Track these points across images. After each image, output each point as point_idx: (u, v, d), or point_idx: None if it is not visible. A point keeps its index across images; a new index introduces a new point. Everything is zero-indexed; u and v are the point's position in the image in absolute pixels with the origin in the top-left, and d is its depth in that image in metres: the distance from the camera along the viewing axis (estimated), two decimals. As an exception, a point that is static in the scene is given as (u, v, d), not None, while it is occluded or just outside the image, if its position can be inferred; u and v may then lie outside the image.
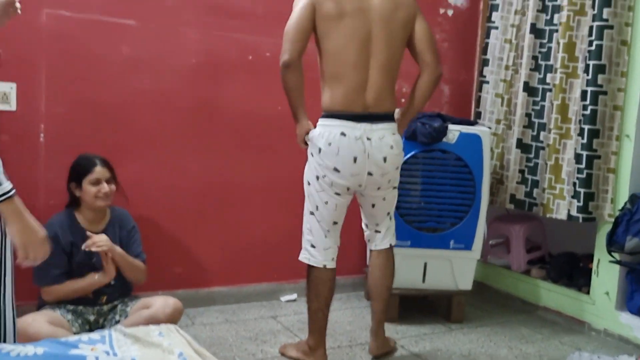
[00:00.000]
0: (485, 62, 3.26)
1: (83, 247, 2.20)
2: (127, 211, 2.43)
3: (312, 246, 2.25)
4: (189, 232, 2.89)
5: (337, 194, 2.18)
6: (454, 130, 2.77)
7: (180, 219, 2.87)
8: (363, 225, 2.41)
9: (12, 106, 2.48)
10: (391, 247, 2.38)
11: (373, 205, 2.29)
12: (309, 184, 2.22)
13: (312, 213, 2.24)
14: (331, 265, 2.25)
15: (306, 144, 2.22)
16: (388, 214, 2.35)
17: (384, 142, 2.14)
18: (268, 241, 3.05)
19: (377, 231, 2.36)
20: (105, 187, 2.27)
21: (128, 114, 2.70)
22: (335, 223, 2.24)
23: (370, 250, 2.41)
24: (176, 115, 2.80)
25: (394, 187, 2.31)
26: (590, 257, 2.93)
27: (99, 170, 2.27)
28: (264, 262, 3.07)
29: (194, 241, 2.91)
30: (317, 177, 2.17)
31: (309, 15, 2.07)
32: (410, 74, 2.37)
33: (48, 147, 2.56)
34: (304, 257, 2.28)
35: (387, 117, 2.18)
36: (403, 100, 3.21)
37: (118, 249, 2.26)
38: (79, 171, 2.29)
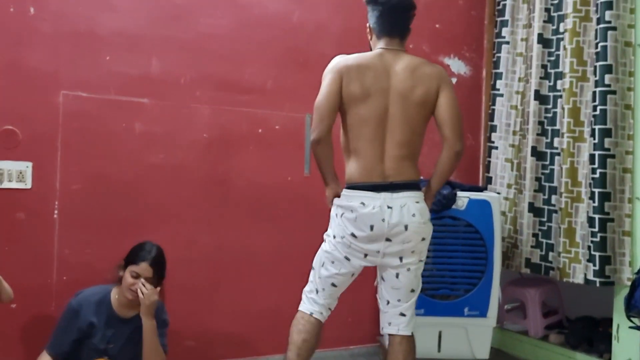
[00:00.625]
0: (492, 128, 3.31)
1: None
2: (162, 302, 2.43)
3: (309, 295, 2.27)
4: (202, 304, 2.88)
5: (347, 259, 2.17)
6: (463, 197, 2.79)
7: (192, 291, 2.85)
8: (381, 305, 2.28)
9: (28, 184, 2.53)
10: (412, 335, 2.25)
11: (397, 275, 2.18)
12: (324, 240, 2.25)
13: (314, 268, 2.26)
14: (318, 316, 2.24)
15: None
16: (413, 291, 2.22)
17: (405, 209, 2.10)
18: (280, 311, 3.00)
19: (402, 314, 2.22)
20: (138, 283, 2.27)
21: (141, 188, 2.74)
22: (334, 285, 2.23)
23: (390, 335, 2.25)
24: (189, 188, 2.84)
25: (420, 261, 2.21)
26: (609, 321, 2.86)
27: (144, 268, 2.30)
28: (277, 333, 3.00)
29: (206, 313, 2.88)
30: (335, 237, 2.18)
31: (338, 89, 2.12)
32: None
33: (62, 223, 2.59)
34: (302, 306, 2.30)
35: (410, 186, 2.15)
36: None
37: (153, 321, 2.28)
38: (130, 256, 2.34)
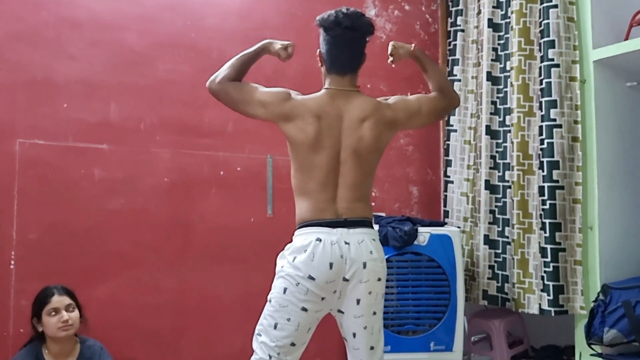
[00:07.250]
0: (448, 163, 3.40)
1: None
2: (99, 342, 2.36)
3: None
4: (167, 350, 2.83)
5: (305, 309, 1.99)
6: (424, 233, 2.84)
7: (157, 337, 2.81)
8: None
9: (-17, 235, 2.49)
10: None
11: (354, 335, 2.07)
12: (270, 301, 2.05)
13: (260, 334, 2.05)
14: None
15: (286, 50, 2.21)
16: (372, 348, 2.08)
17: (363, 246, 2.00)
18: (247, 355, 2.97)
19: None
20: (64, 315, 2.21)
21: (101, 235, 2.72)
22: (293, 345, 2.00)
23: None
24: (150, 233, 2.82)
25: (375, 313, 2.06)
26: (573, 349, 2.90)
27: (57, 300, 2.23)
28: (244, 376, 2.98)
29: (172, 359, 2.83)
30: (286, 290, 1.99)
31: (280, 106, 2.11)
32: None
33: (18, 273, 2.54)
34: None
35: (365, 223, 2.07)
36: (374, 204, 3.31)
37: None
38: (37, 304, 2.25)
